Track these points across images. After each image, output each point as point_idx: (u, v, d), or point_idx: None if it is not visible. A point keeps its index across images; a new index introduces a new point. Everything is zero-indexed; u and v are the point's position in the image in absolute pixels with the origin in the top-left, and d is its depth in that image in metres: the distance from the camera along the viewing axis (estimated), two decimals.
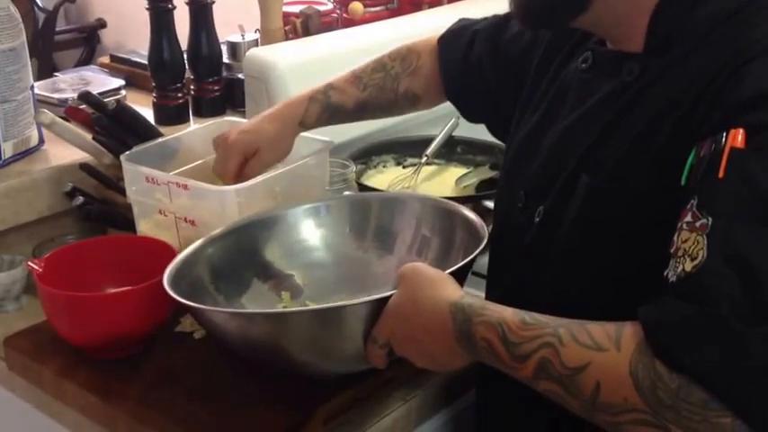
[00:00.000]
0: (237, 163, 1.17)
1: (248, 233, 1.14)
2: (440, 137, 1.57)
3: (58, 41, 3.36)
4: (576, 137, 0.95)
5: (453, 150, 1.59)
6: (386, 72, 1.24)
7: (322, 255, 1.18)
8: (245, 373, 1.04)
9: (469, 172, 1.52)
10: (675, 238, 0.78)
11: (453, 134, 1.59)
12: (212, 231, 1.12)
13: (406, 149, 1.58)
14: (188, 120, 1.60)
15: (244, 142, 1.17)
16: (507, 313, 0.83)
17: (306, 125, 1.21)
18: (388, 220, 1.18)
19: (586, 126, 0.94)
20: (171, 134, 1.32)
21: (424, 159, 1.54)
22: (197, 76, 1.61)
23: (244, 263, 1.13)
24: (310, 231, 1.18)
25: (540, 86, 1.06)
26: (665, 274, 0.77)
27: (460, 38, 1.22)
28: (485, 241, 1.00)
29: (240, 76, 1.58)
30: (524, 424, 1.00)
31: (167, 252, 1.11)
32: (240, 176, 1.17)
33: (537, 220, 0.98)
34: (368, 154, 1.55)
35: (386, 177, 1.52)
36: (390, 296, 0.90)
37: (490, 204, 1.38)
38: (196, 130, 1.37)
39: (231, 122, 1.35)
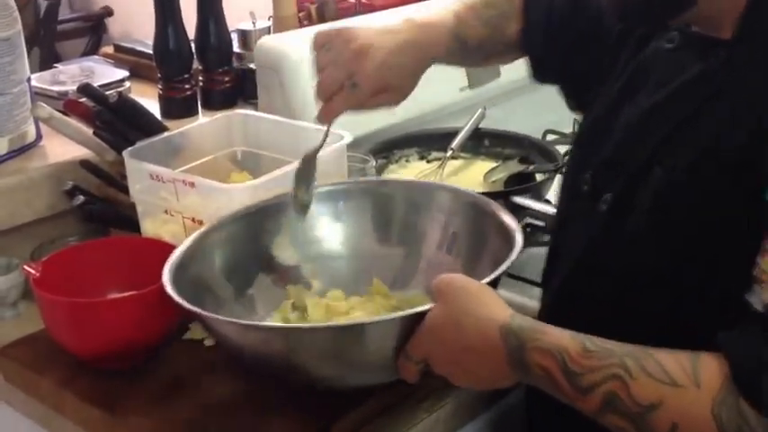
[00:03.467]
0: (335, 70, 0.98)
1: (253, 220, 1.07)
2: (466, 129, 1.51)
3: (62, 31, 3.30)
4: (655, 121, 0.87)
5: (480, 143, 1.53)
6: (497, 9, 1.09)
7: (335, 245, 1.11)
8: (259, 382, 0.99)
9: (498, 166, 1.46)
10: (759, 259, 0.71)
11: (480, 126, 1.53)
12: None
13: (431, 143, 1.51)
14: (196, 113, 1.54)
15: (343, 33, 1.00)
16: (565, 339, 0.77)
17: (439, 60, 1.06)
18: (414, 212, 1.10)
19: (668, 110, 0.86)
20: (178, 128, 1.27)
21: (449, 153, 1.48)
22: (206, 66, 1.56)
23: (248, 252, 1.07)
24: (323, 219, 1.11)
25: (619, 58, 0.97)
26: (747, 298, 0.71)
27: None
28: (518, 248, 0.93)
29: (252, 66, 1.53)
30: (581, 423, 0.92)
31: None
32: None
33: (603, 208, 0.89)
34: (389, 148, 1.49)
35: (409, 172, 1.46)
36: (426, 311, 0.84)
37: (520, 201, 1.31)
38: (205, 124, 1.32)
39: (243, 115, 1.28)
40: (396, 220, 1.11)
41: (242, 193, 1.07)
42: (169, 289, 0.93)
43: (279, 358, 0.89)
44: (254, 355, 0.92)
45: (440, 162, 1.46)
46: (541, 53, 1.11)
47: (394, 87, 1.02)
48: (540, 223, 1.44)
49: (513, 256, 0.91)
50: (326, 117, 1.01)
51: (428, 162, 1.49)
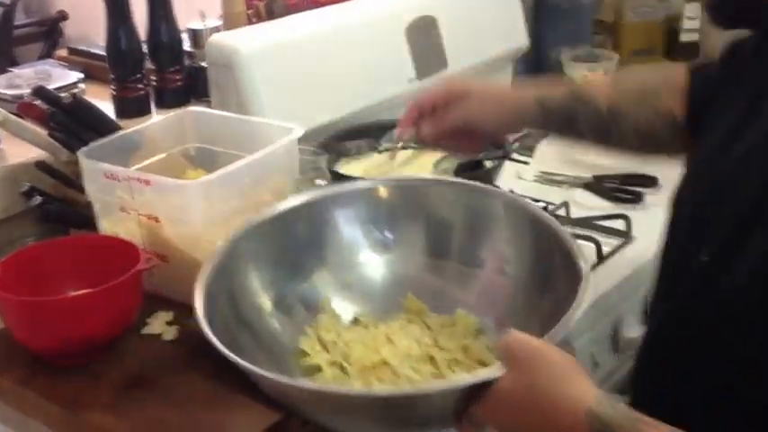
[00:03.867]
0: (433, 97, 1.06)
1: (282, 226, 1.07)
2: None
3: (18, 36, 3.28)
4: (757, 162, 0.80)
5: None
6: (643, 84, 1.02)
7: (375, 258, 1.08)
8: (218, 374, 0.99)
9: (447, 155, 1.47)
10: None
11: None
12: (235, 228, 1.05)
13: (381, 134, 1.52)
14: (149, 112, 1.55)
15: (439, 91, 1.06)
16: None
17: (545, 103, 1.02)
18: (469, 225, 1.02)
19: None
20: (132, 127, 1.27)
21: (399, 144, 1.48)
22: (158, 65, 1.57)
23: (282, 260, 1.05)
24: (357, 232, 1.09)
25: (728, 83, 0.90)
26: None
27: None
28: (585, 291, 0.83)
29: (203, 64, 1.53)
30: None
31: (131, 251, 1.07)
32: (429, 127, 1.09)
33: (704, 260, 0.83)
34: (340, 140, 1.50)
35: (361, 164, 1.47)
36: (493, 379, 0.77)
37: None
38: (158, 123, 1.31)
39: (195, 112, 1.30)
40: (445, 230, 1.05)
41: (197, 188, 1.08)
42: (206, 330, 0.88)
43: (325, 414, 0.86)
44: (296, 405, 0.88)
45: (390, 152, 1.46)
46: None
47: (475, 98, 1.06)
48: None
49: (581, 300, 0.82)
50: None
51: (379, 153, 1.50)
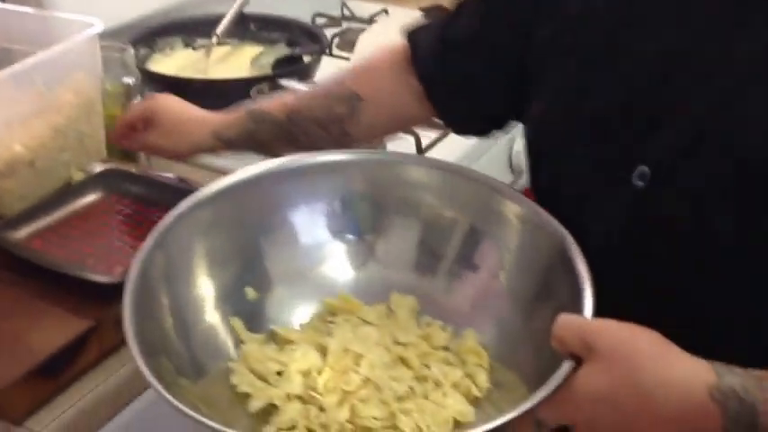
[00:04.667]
0: (122, 126, 1.08)
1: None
2: (231, 14, 1.47)
3: None
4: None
5: (246, 28, 1.50)
6: (333, 78, 1.01)
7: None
8: (21, 282, 0.95)
9: (264, 51, 1.45)
10: None
11: (245, 10, 1.49)
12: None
13: (195, 29, 1.48)
14: None
15: (152, 105, 1.06)
16: None
17: (223, 136, 1.01)
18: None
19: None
20: None
21: (214, 39, 1.44)
22: None
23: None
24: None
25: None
26: None
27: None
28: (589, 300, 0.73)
29: None
30: None
31: None
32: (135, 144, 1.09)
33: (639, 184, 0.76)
34: (151, 36, 1.44)
35: (174, 62, 1.42)
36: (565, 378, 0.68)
37: (287, 83, 1.32)
38: None
39: None
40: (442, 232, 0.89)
41: None
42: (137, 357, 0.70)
43: None
44: None
45: (205, 49, 1.43)
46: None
47: (159, 128, 1.05)
48: None
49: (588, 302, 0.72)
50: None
51: (194, 50, 1.45)
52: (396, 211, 0.90)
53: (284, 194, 0.89)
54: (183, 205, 0.83)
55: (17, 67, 1.04)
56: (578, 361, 0.68)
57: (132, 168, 1.17)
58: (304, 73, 1.38)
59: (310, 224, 0.89)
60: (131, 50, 1.23)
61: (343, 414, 0.75)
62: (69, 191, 1.09)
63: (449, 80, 0.95)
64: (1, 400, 0.82)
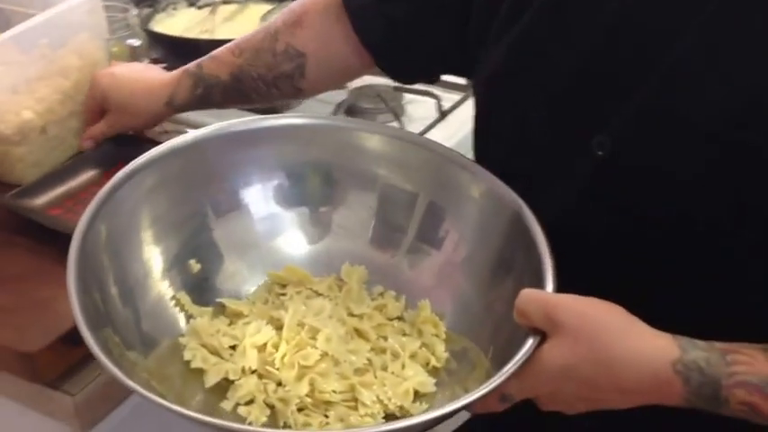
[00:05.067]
0: (90, 107, 1.05)
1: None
2: None
3: None
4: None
5: None
6: (266, 32, 0.98)
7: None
8: (42, 249, 0.92)
9: (275, 8, 1.39)
10: None
11: None
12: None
13: None
14: None
15: (99, 89, 1.03)
16: (761, 362, 0.64)
17: (175, 105, 1.00)
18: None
19: None
20: None
21: None
22: None
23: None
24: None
25: None
26: None
27: None
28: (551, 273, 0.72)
29: None
30: None
31: None
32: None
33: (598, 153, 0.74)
34: None
35: (178, 21, 1.37)
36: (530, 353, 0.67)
37: None
38: None
39: None
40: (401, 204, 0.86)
41: None
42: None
43: None
44: None
45: (210, 8, 1.38)
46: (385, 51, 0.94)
47: (114, 110, 1.04)
48: None
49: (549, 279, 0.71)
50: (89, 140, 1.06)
51: (198, 8, 1.40)
52: (352, 183, 0.86)
53: (233, 161, 0.85)
54: (127, 169, 0.79)
55: (19, 28, 1.01)
56: (542, 335, 0.68)
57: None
58: None
59: (261, 193, 0.86)
60: (134, 10, 1.19)
61: (303, 388, 0.73)
62: (84, 157, 1.06)
63: (385, 26, 0.92)
64: (36, 363, 0.81)
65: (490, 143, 0.84)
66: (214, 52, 1.00)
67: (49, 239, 0.91)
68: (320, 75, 0.98)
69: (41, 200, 0.98)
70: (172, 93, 1.00)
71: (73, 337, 0.79)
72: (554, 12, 0.75)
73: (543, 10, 0.76)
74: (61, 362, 0.82)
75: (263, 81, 0.98)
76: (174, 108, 1.02)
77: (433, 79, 1.00)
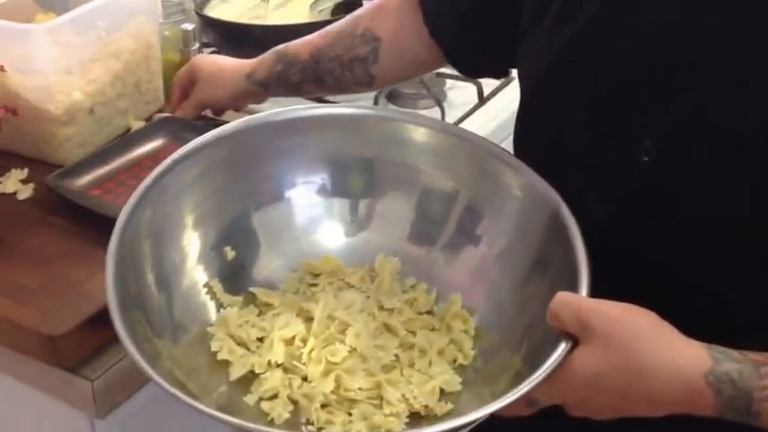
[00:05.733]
0: (177, 95, 1.11)
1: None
2: None
3: None
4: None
5: None
6: (352, 16, 1.01)
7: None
8: (78, 231, 0.94)
9: None
10: None
11: None
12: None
13: None
14: None
15: (183, 73, 1.11)
16: None
17: (255, 78, 1.04)
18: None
19: None
20: None
21: None
22: None
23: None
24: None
25: None
26: None
27: None
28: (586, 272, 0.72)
29: None
30: None
31: None
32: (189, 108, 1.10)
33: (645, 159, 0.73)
34: None
35: (232, 7, 1.39)
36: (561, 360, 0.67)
37: None
38: None
39: None
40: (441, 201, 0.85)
41: (43, 33, 0.99)
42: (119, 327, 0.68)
43: None
44: None
45: None
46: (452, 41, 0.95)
47: (201, 84, 1.09)
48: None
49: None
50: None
51: None
52: (394, 177, 0.86)
53: (277, 150, 0.85)
54: (173, 156, 0.80)
55: (78, 11, 1.03)
56: (573, 340, 0.67)
57: None
58: None
59: (303, 183, 0.86)
60: None
61: (329, 385, 0.73)
62: (128, 139, 1.07)
63: (453, 19, 0.92)
64: (57, 347, 0.82)
65: (528, 140, 0.84)
66: (308, 36, 1.03)
67: (86, 221, 0.93)
68: (393, 63, 0.99)
69: (83, 180, 1.00)
70: (255, 66, 1.04)
71: (98, 318, 0.82)
72: (609, 17, 0.75)
73: (597, 16, 0.75)
74: (82, 346, 0.83)
75: (339, 62, 0.99)
76: (254, 83, 1.04)
77: (500, 74, 1.00)
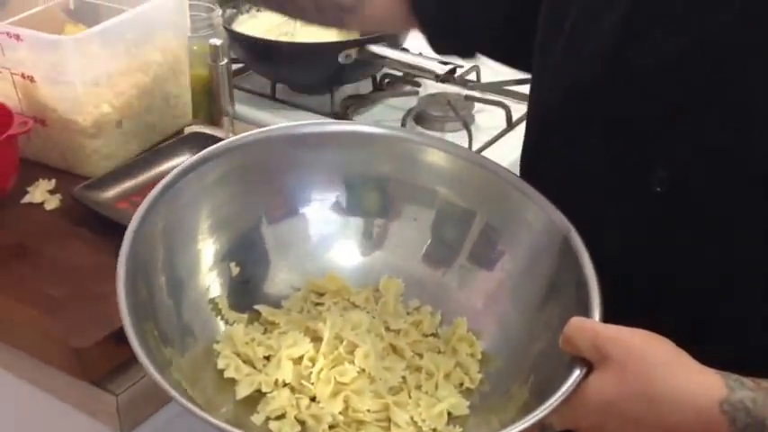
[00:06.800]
0: None
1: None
2: None
3: None
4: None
5: None
6: None
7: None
8: (104, 243, 0.94)
9: None
10: None
11: None
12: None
13: None
14: None
15: None
16: None
17: None
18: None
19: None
20: None
21: None
22: None
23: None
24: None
25: None
26: None
27: None
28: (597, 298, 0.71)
29: None
30: None
31: (3, 114, 1.00)
32: None
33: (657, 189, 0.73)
34: None
35: (260, 23, 1.38)
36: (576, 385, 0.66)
37: (377, 50, 1.28)
38: None
39: None
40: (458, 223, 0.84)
41: (73, 45, 1.00)
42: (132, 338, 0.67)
43: None
44: None
45: None
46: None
47: None
48: (398, 73, 1.42)
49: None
50: None
51: None
52: (411, 198, 0.85)
53: (294, 162, 0.84)
54: (189, 161, 0.78)
55: (107, 24, 1.03)
56: (588, 366, 0.67)
57: (216, 132, 1.15)
58: (393, 39, 1.33)
59: (318, 200, 0.84)
60: (219, 10, 1.21)
61: (337, 406, 0.72)
62: (156, 153, 1.07)
63: None
64: (84, 360, 0.82)
65: (540, 166, 0.83)
66: None
67: (112, 233, 0.91)
68: (371, 17, 0.92)
69: (110, 193, 1.00)
70: None
71: (121, 334, 0.82)
72: (625, 46, 0.73)
73: (614, 45, 0.73)
74: (109, 360, 0.83)
75: (314, 2, 0.91)
76: None
77: (467, 55, 0.96)
